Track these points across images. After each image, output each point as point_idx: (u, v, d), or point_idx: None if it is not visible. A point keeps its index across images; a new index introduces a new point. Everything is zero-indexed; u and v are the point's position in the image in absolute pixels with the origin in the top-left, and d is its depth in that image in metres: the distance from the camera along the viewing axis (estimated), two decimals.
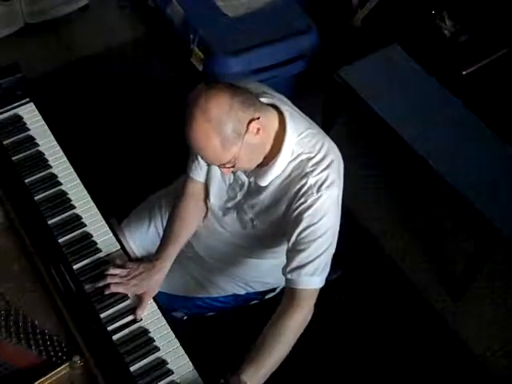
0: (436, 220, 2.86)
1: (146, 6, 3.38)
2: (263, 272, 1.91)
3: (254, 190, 1.67)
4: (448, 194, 2.43)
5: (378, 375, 2.40)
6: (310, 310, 1.60)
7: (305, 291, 1.58)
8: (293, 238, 1.59)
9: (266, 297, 2.00)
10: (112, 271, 1.66)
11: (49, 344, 1.52)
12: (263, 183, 1.62)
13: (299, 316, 1.57)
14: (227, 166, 1.54)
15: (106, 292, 1.63)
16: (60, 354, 1.50)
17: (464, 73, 2.81)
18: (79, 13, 3.46)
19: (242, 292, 1.95)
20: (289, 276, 1.59)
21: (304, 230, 1.57)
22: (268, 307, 1.97)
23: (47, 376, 1.45)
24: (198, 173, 1.80)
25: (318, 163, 1.57)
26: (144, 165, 2.87)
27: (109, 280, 1.64)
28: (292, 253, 1.60)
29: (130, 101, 3.12)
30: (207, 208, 1.84)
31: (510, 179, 2.45)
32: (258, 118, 1.50)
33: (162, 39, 3.35)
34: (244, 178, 1.68)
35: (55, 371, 1.46)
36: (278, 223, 1.67)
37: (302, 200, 1.56)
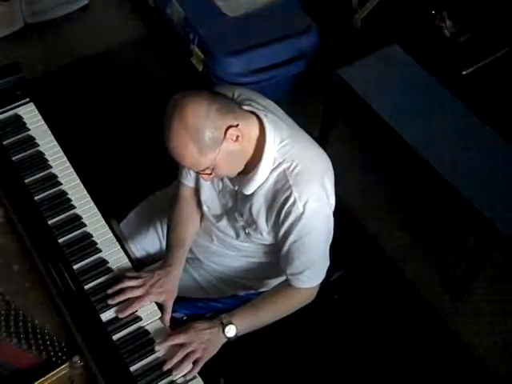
0: (436, 220, 2.86)
1: (146, 6, 3.38)
2: (262, 273, 1.90)
3: (242, 199, 1.67)
4: (448, 193, 2.43)
5: (378, 375, 2.40)
6: (310, 296, 1.72)
7: (304, 288, 1.69)
8: (285, 248, 1.63)
9: None
10: (128, 284, 1.64)
11: (49, 344, 1.52)
12: (247, 192, 1.62)
13: (298, 299, 1.71)
14: (206, 172, 1.55)
15: (130, 310, 1.60)
16: (60, 353, 1.50)
17: (464, 73, 2.82)
18: (79, 13, 3.47)
19: (242, 293, 1.95)
20: (288, 277, 1.68)
21: (294, 242, 1.60)
22: None
23: (47, 376, 1.45)
24: (188, 178, 1.81)
25: (300, 173, 1.55)
26: (144, 165, 2.87)
27: (129, 294, 1.62)
28: (287, 259, 1.65)
29: (129, 101, 3.12)
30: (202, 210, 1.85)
31: (510, 179, 2.45)
32: (237, 125, 1.50)
33: (162, 39, 3.36)
34: (232, 185, 1.69)
35: (55, 371, 1.46)
36: (268, 232, 1.67)
37: (288, 213, 1.56)
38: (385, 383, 2.41)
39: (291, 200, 1.55)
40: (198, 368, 1.54)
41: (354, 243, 2.44)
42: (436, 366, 2.45)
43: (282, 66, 2.99)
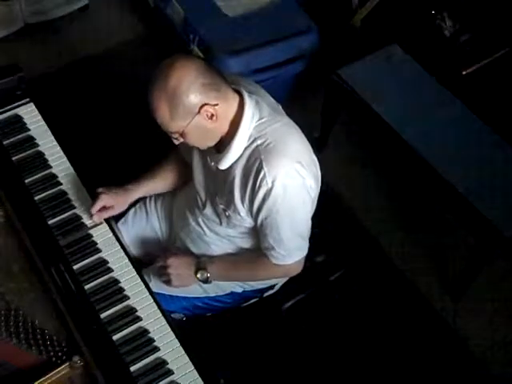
0: (436, 220, 2.86)
1: (146, 6, 3.38)
2: None
3: (220, 178, 1.68)
4: (448, 193, 2.43)
5: (378, 375, 2.40)
6: (289, 271, 1.78)
7: (280, 264, 1.73)
8: (258, 223, 1.67)
9: (265, 295, 2.00)
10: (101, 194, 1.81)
11: (49, 344, 1.52)
12: (222, 166, 1.64)
13: (275, 271, 1.78)
14: (174, 136, 1.60)
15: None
16: (60, 353, 1.51)
17: (464, 73, 2.82)
18: (79, 13, 3.47)
19: (239, 290, 1.94)
20: (263, 251, 1.71)
21: (265, 218, 1.63)
22: (267, 306, 1.98)
23: (47, 376, 1.46)
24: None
25: (272, 150, 1.57)
26: (143, 165, 2.86)
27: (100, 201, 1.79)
28: (260, 234, 1.69)
29: (129, 101, 3.12)
30: (186, 177, 1.90)
31: (510, 179, 2.45)
32: (216, 105, 1.53)
33: (162, 39, 3.35)
34: (209, 162, 1.70)
35: (55, 371, 1.47)
36: (246, 212, 1.68)
37: (258, 188, 1.58)
38: (385, 383, 2.41)
39: (261, 175, 1.56)
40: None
41: (354, 243, 2.44)
42: (436, 366, 2.45)
43: (281, 65, 2.99)
